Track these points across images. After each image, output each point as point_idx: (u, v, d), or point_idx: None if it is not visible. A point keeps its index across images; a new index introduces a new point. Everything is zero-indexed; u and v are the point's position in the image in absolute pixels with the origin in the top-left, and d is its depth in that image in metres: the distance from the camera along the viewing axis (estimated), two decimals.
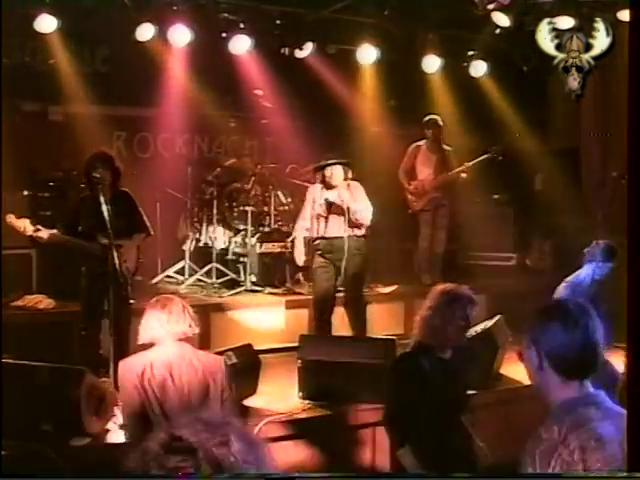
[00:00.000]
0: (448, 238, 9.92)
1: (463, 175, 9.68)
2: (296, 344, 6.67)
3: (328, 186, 7.38)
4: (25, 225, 6.32)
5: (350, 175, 7.46)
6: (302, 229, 7.58)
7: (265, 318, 8.17)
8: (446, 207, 9.78)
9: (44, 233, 6.34)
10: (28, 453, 4.78)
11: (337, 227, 7.36)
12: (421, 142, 9.69)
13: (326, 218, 7.37)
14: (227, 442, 1.66)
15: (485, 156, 9.68)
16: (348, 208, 7.23)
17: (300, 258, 7.61)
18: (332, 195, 7.34)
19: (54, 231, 6.46)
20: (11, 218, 6.36)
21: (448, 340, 4.35)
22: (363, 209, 7.35)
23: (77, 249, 6.53)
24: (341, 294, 7.57)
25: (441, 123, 9.60)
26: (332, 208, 7.34)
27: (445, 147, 9.73)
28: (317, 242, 7.43)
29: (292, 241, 8.12)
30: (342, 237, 7.29)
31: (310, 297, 7.84)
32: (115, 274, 6.16)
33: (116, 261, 6.17)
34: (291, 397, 6.33)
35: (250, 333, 7.90)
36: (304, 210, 7.62)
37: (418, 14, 9.06)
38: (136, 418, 4.46)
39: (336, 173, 7.36)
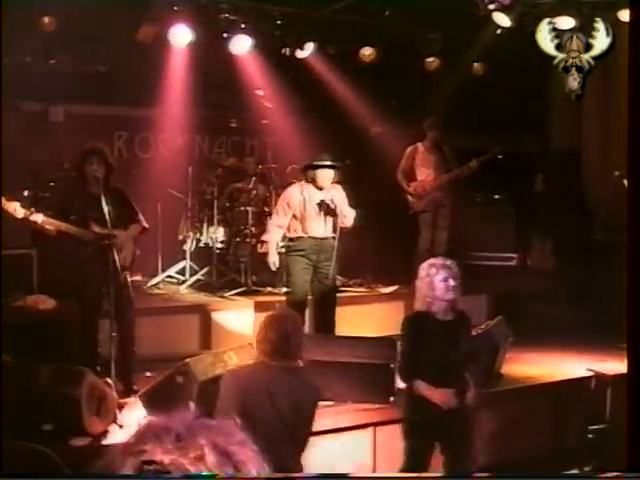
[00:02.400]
0: (448, 238, 9.91)
1: (464, 174, 9.69)
2: None
3: (318, 187, 7.39)
4: (16, 208, 6.15)
5: (336, 178, 7.48)
6: (277, 231, 7.52)
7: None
8: (447, 207, 9.76)
9: (39, 216, 6.20)
10: (28, 453, 4.78)
11: (325, 228, 7.41)
12: (419, 143, 9.68)
13: (317, 219, 7.38)
14: (202, 457, 1.58)
15: (485, 156, 9.68)
16: (337, 209, 7.30)
17: (275, 263, 7.54)
18: (325, 196, 7.35)
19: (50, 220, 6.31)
20: (14, 205, 6.19)
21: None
22: (351, 213, 7.46)
23: (71, 237, 6.41)
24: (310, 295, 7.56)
25: (442, 124, 9.60)
26: (323, 209, 7.36)
27: (444, 147, 9.73)
28: (298, 242, 7.41)
29: (261, 242, 8.31)
30: (328, 238, 7.39)
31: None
32: (116, 271, 6.17)
33: (116, 257, 6.16)
34: None
35: (251, 333, 7.90)
36: (281, 210, 7.50)
37: (418, 14, 9.05)
38: None
39: (328, 174, 7.37)
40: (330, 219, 7.38)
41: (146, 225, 6.81)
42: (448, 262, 5.25)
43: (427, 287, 5.15)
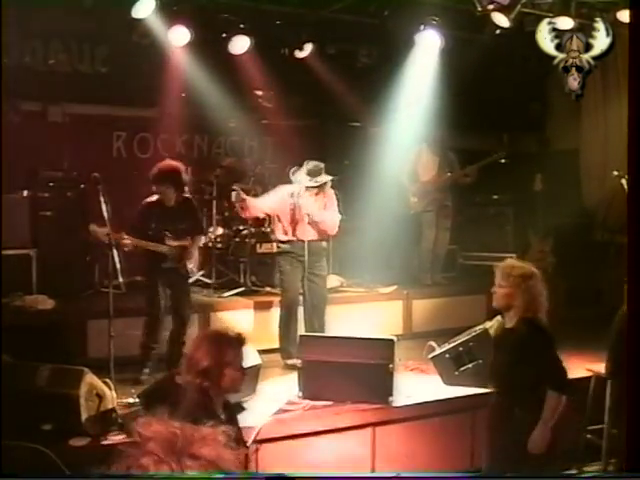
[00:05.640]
0: (449, 238, 9.94)
1: (467, 179, 9.71)
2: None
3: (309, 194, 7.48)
4: (109, 232, 6.55)
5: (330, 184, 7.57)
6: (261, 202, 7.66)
7: (265, 318, 8.17)
8: (449, 208, 9.79)
9: (127, 240, 6.68)
10: (28, 453, 4.78)
11: (314, 232, 7.52)
12: (423, 143, 9.70)
13: (306, 224, 7.47)
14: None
15: (488, 160, 9.70)
16: (309, 215, 7.40)
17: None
18: (312, 205, 7.44)
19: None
20: (94, 227, 6.57)
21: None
22: (329, 219, 7.52)
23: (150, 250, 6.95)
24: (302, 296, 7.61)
25: (442, 125, 9.61)
26: (309, 218, 7.49)
27: (446, 148, 9.74)
28: (288, 244, 7.50)
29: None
30: (317, 240, 7.52)
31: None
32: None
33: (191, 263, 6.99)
34: (290, 397, 6.33)
35: (250, 333, 7.90)
36: (269, 199, 7.63)
37: (418, 14, 9.04)
38: None
39: (320, 186, 7.45)
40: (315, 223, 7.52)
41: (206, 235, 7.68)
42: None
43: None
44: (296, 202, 7.42)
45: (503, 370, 5.00)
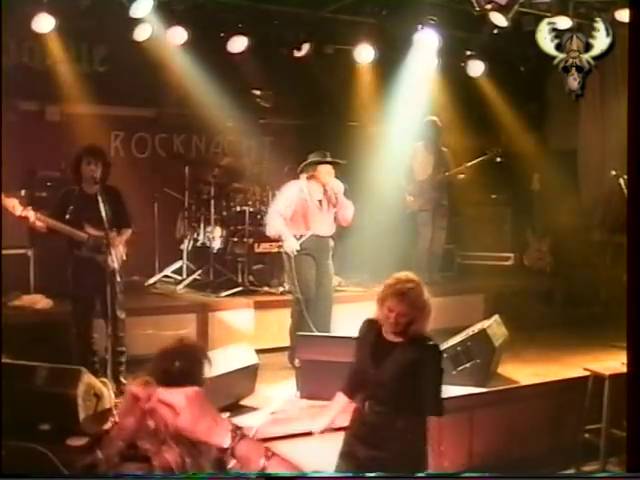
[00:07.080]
0: (446, 238, 9.93)
1: (461, 176, 9.71)
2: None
3: (319, 183, 7.41)
4: (14, 204, 6.20)
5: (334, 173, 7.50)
6: (279, 219, 7.35)
7: (263, 318, 8.17)
8: (445, 207, 9.80)
9: (30, 213, 6.23)
10: (26, 453, 4.78)
11: (328, 226, 7.47)
12: (419, 142, 9.71)
13: (319, 215, 7.41)
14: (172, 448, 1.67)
15: (483, 157, 9.70)
16: (338, 197, 7.32)
17: (294, 251, 7.27)
18: (325, 191, 7.39)
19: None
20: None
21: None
22: (350, 204, 7.46)
23: (64, 237, 6.46)
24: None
25: (439, 124, 9.62)
26: (325, 202, 7.40)
27: (443, 147, 9.75)
28: (303, 240, 7.37)
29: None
30: (328, 236, 7.46)
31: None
32: (113, 271, 6.13)
33: (114, 257, 6.15)
34: (289, 397, 6.33)
35: (248, 333, 7.91)
36: (282, 201, 7.43)
37: (416, 14, 9.05)
38: None
39: (330, 170, 7.39)
40: (330, 217, 7.42)
41: (134, 229, 6.78)
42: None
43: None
44: (306, 196, 7.37)
45: (388, 382, 4.52)
